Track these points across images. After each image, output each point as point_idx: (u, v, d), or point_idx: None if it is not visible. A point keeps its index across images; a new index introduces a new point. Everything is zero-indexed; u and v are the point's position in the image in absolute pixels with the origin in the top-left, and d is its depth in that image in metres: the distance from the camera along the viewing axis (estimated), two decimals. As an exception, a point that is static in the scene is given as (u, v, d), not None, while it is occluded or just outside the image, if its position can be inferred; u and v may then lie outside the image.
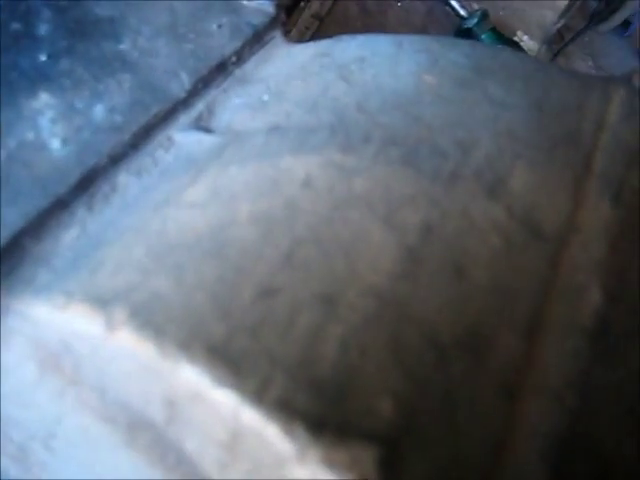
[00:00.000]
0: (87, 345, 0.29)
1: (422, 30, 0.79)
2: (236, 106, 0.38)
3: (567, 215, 0.32)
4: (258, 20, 0.42)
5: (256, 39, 0.41)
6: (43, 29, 0.35)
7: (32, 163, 0.32)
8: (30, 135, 0.33)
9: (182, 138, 0.36)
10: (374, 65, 0.38)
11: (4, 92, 0.33)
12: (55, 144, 0.33)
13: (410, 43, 0.40)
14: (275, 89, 0.38)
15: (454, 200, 0.31)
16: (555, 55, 1.17)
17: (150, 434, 0.29)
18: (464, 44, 0.41)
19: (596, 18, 1.29)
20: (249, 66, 0.41)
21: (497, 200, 0.32)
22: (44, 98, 0.34)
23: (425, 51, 0.39)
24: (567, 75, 0.40)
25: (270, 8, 0.43)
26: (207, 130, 0.37)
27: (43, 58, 0.35)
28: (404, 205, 0.31)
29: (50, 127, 0.33)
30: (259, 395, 0.24)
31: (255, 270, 0.28)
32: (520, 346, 0.28)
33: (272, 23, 0.42)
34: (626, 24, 1.36)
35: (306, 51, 0.41)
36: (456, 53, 0.39)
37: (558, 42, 1.21)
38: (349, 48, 0.40)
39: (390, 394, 0.25)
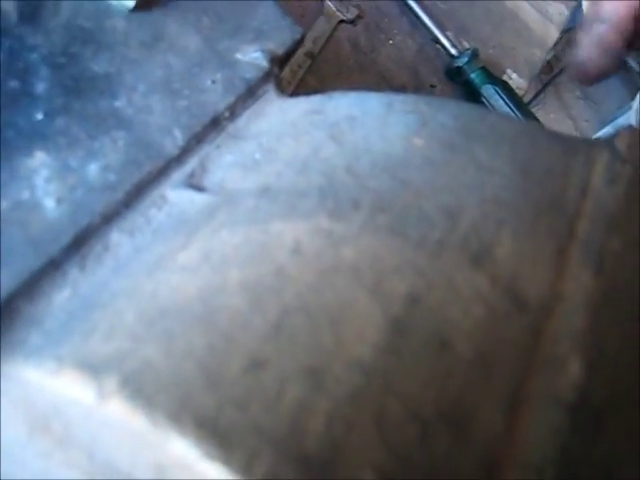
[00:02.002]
0: (78, 410, 0.29)
1: (413, 68, 0.80)
2: (228, 164, 0.39)
3: (550, 284, 0.33)
4: (251, 74, 0.42)
5: (249, 94, 0.42)
6: (40, 87, 0.36)
7: (26, 223, 0.33)
8: (25, 194, 0.33)
9: (175, 196, 0.37)
10: (364, 125, 0.39)
11: (1, 151, 0.34)
12: (49, 203, 0.34)
13: (400, 103, 0.41)
14: (267, 147, 0.39)
15: (439, 270, 0.32)
16: (544, 86, 1.19)
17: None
18: (452, 105, 0.42)
19: (585, 49, 1.31)
20: (242, 121, 0.41)
21: (481, 269, 0.32)
22: (39, 157, 0.34)
23: (414, 112, 0.40)
24: (552, 138, 0.40)
25: (264, 62, 0.43)
26: (199, 189, 0.37)
27: (40, 117, 0.35)
28: (391, 275, 0.31)
29: (45, 186, 0.34)
30: (247, 469, 0.25)
31: (244, 340, 0.29)
32: (501, 420, 0.28)
33: (265, 77, 0.43)
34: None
35: (298, 107, 0.42)
36: (444, 115, 0.40)
37: (547, 73, 1.22)
38: (340, 106, 0.41)
39: (373, 470, 0.26)
